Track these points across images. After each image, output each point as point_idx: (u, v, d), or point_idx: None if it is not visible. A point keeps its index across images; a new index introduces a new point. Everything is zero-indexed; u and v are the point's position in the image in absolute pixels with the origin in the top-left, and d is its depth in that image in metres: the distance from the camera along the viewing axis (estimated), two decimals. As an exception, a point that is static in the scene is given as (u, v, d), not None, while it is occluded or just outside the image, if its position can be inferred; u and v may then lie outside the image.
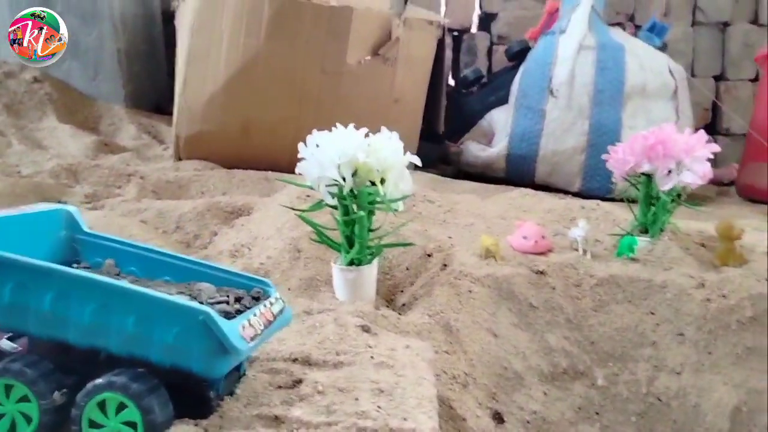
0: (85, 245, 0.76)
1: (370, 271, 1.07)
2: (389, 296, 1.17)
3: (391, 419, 0.64)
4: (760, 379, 1.03)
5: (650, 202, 1.30)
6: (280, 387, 0.72)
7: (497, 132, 2.06)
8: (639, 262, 1.23)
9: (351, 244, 1.06)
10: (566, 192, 1.96)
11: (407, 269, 1.21)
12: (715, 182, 2.41)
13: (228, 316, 0.64)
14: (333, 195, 1.04)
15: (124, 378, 0.60)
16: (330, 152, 1.01)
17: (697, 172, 1.21)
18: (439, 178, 1.90)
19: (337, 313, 0.93)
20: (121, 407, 0.59)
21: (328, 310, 0.96)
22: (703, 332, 1.09)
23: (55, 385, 0.62)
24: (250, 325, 0.65)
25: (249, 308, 0.68)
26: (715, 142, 2.24)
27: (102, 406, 0.59)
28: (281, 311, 0.72)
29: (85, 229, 0.77)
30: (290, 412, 0.65)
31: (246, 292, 0.72)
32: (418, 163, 1.08)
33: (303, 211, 1.09)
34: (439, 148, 2.20)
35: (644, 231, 1.31)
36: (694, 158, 1.22)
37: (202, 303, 0.64)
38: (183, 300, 0.63)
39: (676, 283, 1.14)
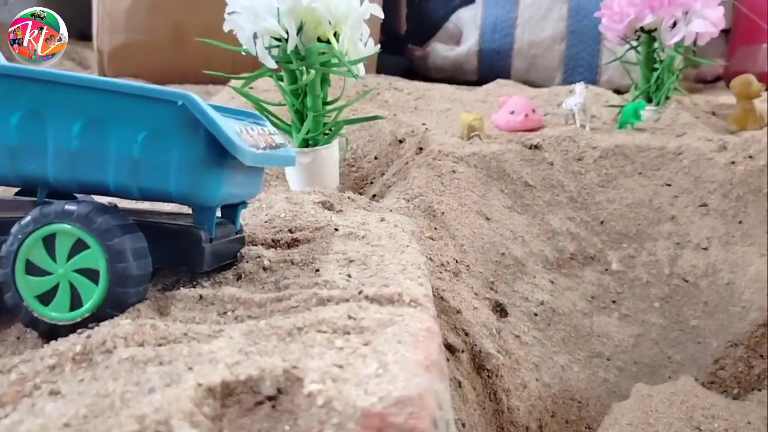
0: None
1: (330, 154, 0.87)
2: (357, 190, 0.97)
3: (367, 287, 0.44)
4: (803, 245, 0.87)
5: (653, 66, 1.12)
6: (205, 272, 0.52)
7: (465, 30, 1.85)
8: (646, 131, 1.05)
9: (303, 120, 0.86)
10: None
11: (376, 158, 1.01)
12: (699, 80, 2.26)
13: None
14: (275, 58, 0.83)
15: (85, 208, 0.41)
16: (266, -2, 0.80)
17: (710, 19, 1.03)
18: (406, 80, 1.68)
19: (289, 193, 0.73)
20: (77, 247, 0.41)
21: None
22: (730, 200, 0.92)
23: None
24: (249, 134, 0.47)
25: None
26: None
27: (48, 243, 0.41)
28: (283, 145, 0.54)
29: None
30: (221, 290, 0.46)
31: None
32: (380, 14, 0.87)
33: (241, 77, 0.87)
34: (402, 60, 1.98)
35: (647, 100, 1.13)
36: (705, 2, 1.03)
37: None
38: (151, 85, 0.44)
39: (692, 148, 0.97)
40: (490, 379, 0.71)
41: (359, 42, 0.87)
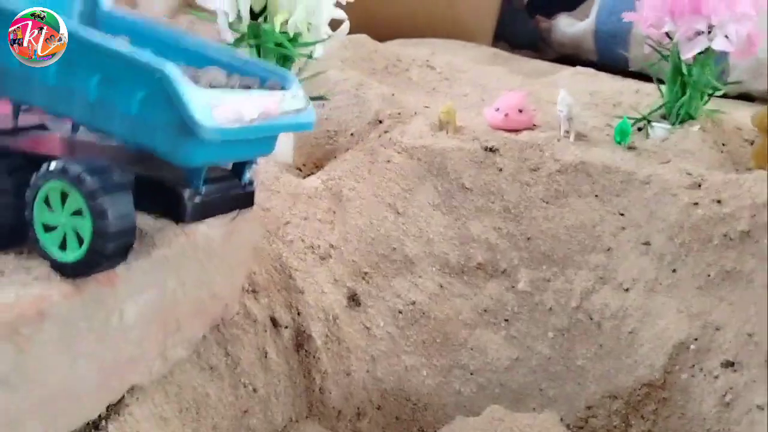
0: (104, 25, 0.63)
1: (279, 127, 0.96)
2: (323, 162, 1.04)
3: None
4: (723, 313, 0.76)
5: (681, 79, 1.00)
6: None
7: (594, 6, 1.72)
8: (636, 150, 0.96)
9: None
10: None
11: (352, 135, 1.06)
12: None
13: None
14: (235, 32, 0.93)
15: (77, 167, 0.48)
16: (223, -23, 0.89)
17: (736, 35, 0.89)
18: (504, 54, 1.64)
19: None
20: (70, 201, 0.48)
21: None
22: (674, 244, 0.82)
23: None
24: (235, 108, 0.50)
25: None
26: None
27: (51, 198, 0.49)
28: (299, 110, 0.56)
29: (105, 7, 0.63)
30: None
31: (258, 81, 0.57)
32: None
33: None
34: (533, 31, 1.90)
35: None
36: (735, 16, 0.89)
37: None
38: (143, 56, 0.49)
39: (662, 180, 0.87)
40: (306, 359, 0.77)
41: (321, 25, 0.93)
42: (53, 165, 0.50)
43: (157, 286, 0.60)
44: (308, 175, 0.97)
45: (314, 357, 0.77)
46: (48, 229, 0.51)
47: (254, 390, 0.73)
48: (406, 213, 0.90)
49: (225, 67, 0.57)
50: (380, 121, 1.06)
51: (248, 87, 0.55)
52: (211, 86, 0.53)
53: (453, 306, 0.86)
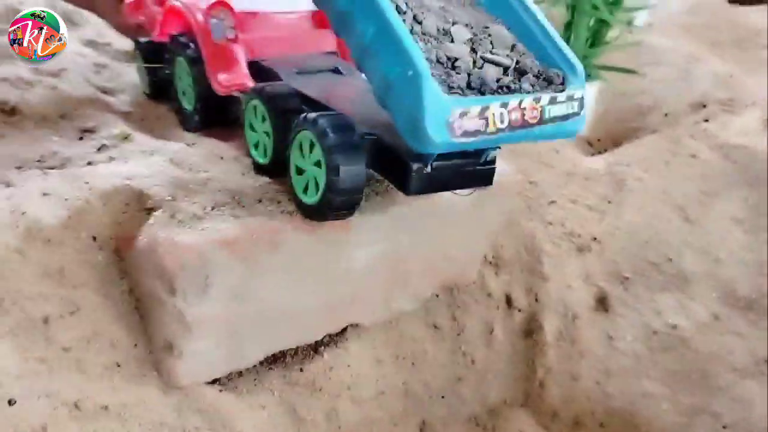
0: None
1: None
2: (623, 140, 0.93)
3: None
4: None
5: None
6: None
7: None
8: None
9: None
10: None
11: (666, 115, 0.93)
12: None
13: (482, 86, 0.47)
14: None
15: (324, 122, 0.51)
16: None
17: None
18: None
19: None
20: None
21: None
22: None
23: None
24: (481, 115, 0.46)
25: (513, 91, 0.48)
26: None
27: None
28: (564, 117, 0.49)
29: None
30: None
31: (541, 68, 0.50)
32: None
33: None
34: None
35: None
36: None
37: (474, 52, 0.50)
38: (413, 44, 0.47)
39: None
40: (533, 348, 0.73)
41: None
42: (309, 115, 0.53)
43: (390, 239, 0.62)
44: (598, 153, 0.89)
45: (541, 349, 0.73)
46: (299, 171, 0.55)
47: (472, 361, 0.72)
48: (698, 221, 0.77)
49: (522, 34, 0.52)
50: (704, 106, 0.91)
51: (524, 72, 0.49)
52: (482, 55, 0.49)
53: (724, 343, 0.72)
